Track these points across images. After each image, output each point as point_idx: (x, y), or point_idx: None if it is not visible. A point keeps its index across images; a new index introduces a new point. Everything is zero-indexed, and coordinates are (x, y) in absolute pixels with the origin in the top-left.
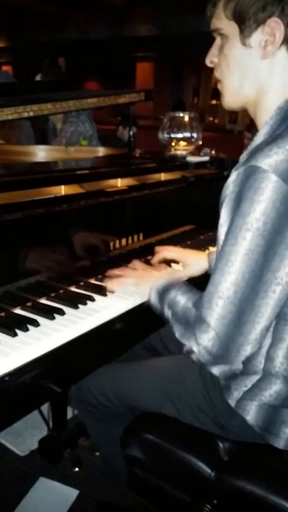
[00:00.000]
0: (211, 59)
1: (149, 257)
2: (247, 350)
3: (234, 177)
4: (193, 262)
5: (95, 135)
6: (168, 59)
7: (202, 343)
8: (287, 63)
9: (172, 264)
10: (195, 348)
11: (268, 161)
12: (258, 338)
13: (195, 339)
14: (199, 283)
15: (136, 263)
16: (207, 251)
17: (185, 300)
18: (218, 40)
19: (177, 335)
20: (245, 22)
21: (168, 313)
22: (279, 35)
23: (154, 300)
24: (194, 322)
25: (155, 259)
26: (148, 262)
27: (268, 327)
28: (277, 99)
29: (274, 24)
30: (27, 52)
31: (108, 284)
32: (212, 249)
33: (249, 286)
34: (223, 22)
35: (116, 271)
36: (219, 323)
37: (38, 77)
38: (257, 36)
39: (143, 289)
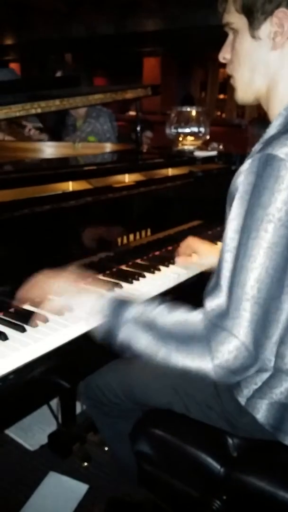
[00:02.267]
0: (224, 55)
1: (157, 253)
2: (267, 353)
3: (247, 165)
4: (207, 253)
5: (114, 137)
6: (175, 53)
7: (221, 357)
8: None
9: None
10: (209, 365)
11: (285, 150)
12: (277, 340)
13: (208, 354)
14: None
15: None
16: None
17: (168, 311)
18: (230, 36)
19: (166, 354)
20: (253, 14)
21: (136, 329)
22: (287, 26)
23: (103, 315)
24: (206, 334)
25: (183, 248)
26: (153, 257)
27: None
28: None
29: (282, 15)
30: (34, 49)
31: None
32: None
33: (274, 281)
34: (233, 16)
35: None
36: (249, 330)
37: (58, 74)
38: (266, 28)
39: (83, 302)
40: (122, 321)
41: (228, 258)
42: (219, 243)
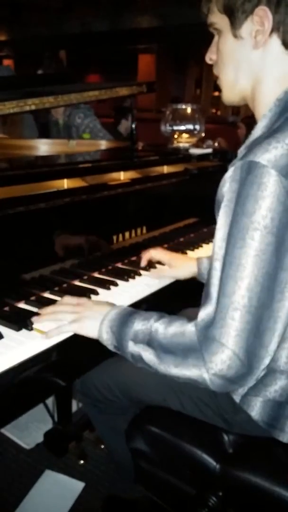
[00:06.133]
0: (210, 56)
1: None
2: (266, 362)
3: (230, 173)
4: (181, 265)
5: (97, 131)
6: (170, 51)
7: (214, 367)
8: (279, 51)
9: (157, 265)
10: (205, 376)
11: (267, 156)
12: (275, 348)
13: (203, 365)
14: (189, 285)
15: (67, 297)
16: (196, 257)
17: (165, 326)
18: (216, 37)
19: (165, 368)
20: (234, 13)
21: (138, 348)
22: (268, 24)
23: (108, 337)
24: (199, 346)
25: (144, 260)
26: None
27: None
28: (274, 90)
29: (262, 13)
30: (28, 46)
31: (36, 319)
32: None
33: (264, 289)
34: (216, 16)
35: (49, 308)
36: (238, 339)
37: (39, 72)
38: (247, 27)
39: (88, 326)
40: (126, 341)
41: (217, 267)
42: (189, 252)
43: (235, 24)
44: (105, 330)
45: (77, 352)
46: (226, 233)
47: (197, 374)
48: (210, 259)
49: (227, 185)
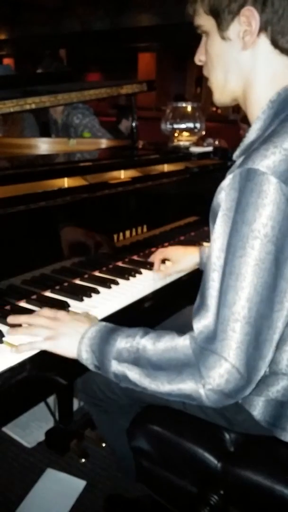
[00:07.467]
0: (199, 58)
1: (153, 249)
2: (262, 374)
3: (228, 181)
4: (182, 258)
5: (96, 130)
6: (171, 49)
7: (212, 382)
8: (269, 51)
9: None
10: (200, 391)
11: (266, 163)
12: (271, 359)
13: (200, 380)
14: (191, 283)
15: (45, 310)
16: (198, 246)
17: (153, 341)
18: (204, 38)
19: (157, 386)
20: (220, 15)
21: (122, 367)
22: (255, 24)
23: (88, 357)
24: (195, 360)
25: (156, 267)
26: (150, 254)
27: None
28: (266, 91)
29: (249, 13)
30: (28, 45)
31: (11, 331)
32: (206, 244)
33: (264, 300)
34: (202, 18)
35: (22, 318)
36: (239, 352)
37: (39, 71)
38: (235, 28)
39: (65, 344)
40: (109, 360)
41: (215, 278)
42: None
43: (222, 25)
44: (85, 349)
45: None
46: (224, 244)
47: (193, 388)
48: (207, 266)
49: (225, 194)
